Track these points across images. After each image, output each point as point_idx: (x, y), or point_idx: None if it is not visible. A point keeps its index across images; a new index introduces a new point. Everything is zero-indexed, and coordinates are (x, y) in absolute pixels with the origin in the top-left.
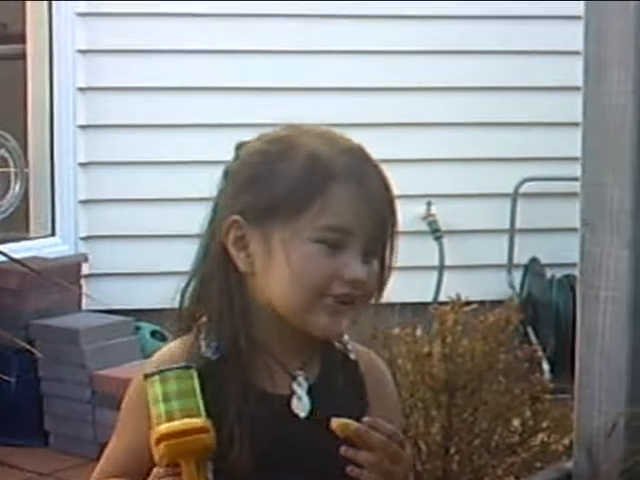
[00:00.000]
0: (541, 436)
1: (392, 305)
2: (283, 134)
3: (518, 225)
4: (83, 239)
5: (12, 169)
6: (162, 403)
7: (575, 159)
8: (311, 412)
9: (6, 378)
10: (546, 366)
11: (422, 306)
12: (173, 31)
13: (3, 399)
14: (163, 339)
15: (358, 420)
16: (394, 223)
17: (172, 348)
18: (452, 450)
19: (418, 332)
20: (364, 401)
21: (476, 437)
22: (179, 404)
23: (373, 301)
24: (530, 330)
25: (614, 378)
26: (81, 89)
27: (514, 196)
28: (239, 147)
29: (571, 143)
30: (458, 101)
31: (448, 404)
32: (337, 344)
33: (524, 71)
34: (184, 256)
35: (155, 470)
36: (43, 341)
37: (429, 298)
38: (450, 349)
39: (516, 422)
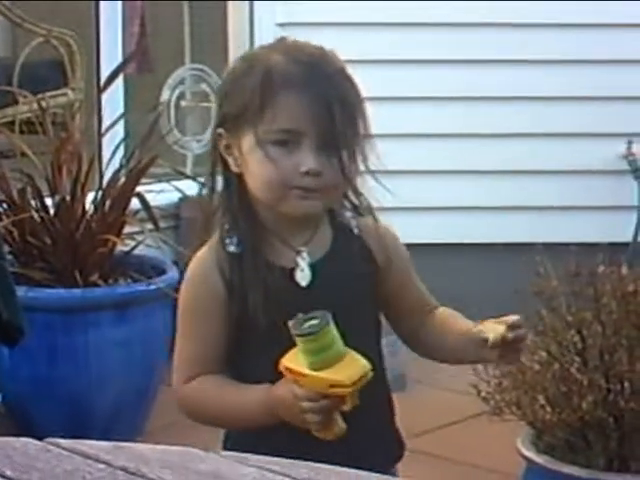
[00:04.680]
0: None
1: (595, 245)
2: (255, 52)
3: None
4: None
5: (213, 104)
6: (315, 355)
7: None
8: (312, 282)
9: None
10: None
11: (622, 246)
12: None
13: None
14: None
15: (364, 282)
16: (353, 121)
17: (203, 254)
18: None
19: (623, 270)
20: (373, 266)
21: None
22: (328, 354)
23: (342, 191)
24: None
25: None
26: (281, 25)
27: None
28: (225, 72)
29: None
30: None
31: None
32: (345, 221)
33: None
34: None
35: (309, 396)
36: None
37: (629, 238)
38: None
39: None
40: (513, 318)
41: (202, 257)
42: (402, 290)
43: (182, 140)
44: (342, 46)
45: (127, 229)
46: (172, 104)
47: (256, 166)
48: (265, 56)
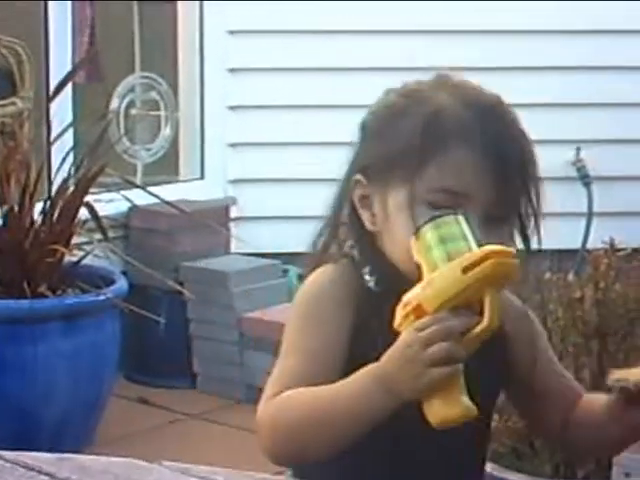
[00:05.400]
0: None
1: (543, 251)
2: (416, 87)
3: None
4: (232, 182)
5: (163, 112)
6: (452, 243)
7: None
8: None
9: (156, 318)
10: None
11: (570, 253)
12: None
13: (152, 340)
14: None
15: (495, 366)
16: (529, 186)
17: (329, 275)
18: None
19: (570, 277)
20: (510, 355)
21: None
22: (460, 244)
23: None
24: None
25: None
26: (231, 32)
27: None
28: (385, 93)
29: None
30: (605, 44)
31: (599, 350)
32: None
33: None
34: (306, 200)
35: (433, 318)
36: (192, 283)
37: (577, 245)
38: (603, 294)
39: None
40: None
41: (330, 274)
42: (545, 378)
43: (131, 149)
44: (295, 54)
45: (76, 239)
46: (121, 112)
47: (403, 231)
48: (430, 94)
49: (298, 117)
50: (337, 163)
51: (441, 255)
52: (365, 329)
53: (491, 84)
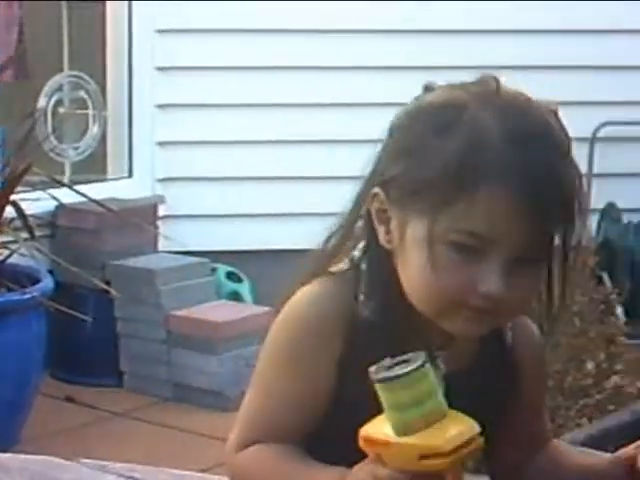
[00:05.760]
0: (615, 379)
1: None
2: (460, 98)
3: (596, 170)
4: (160, 181)
5: (91, 111)
6: (403, 412)
7: None
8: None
9: (83, 317)
10: (620, 311)
11: None
12: None
13: (79, 338)
14: (239, 280)
15: (500, 406)
16: (567, 228)
17: (323, 298)
18: None
19: None
20: (516, 386)
21: (549, 379)
22: (422, 410)
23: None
24: (605, 275)
25: None
26: (160, 31)
27: (592, 140)
28: (424, 89)
29: None
30: (533, 43)
31: None
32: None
33: (603, 14)
34: (260, 199)
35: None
36: (119, 281)
37: None
38: None
39: (590, 364)
40: None
41: (320, 296)
42: (524, 415)
43: (59, 147)
44: (223, 54)
45: (1, 238)
46: (49, 111)
47: (418, 266)
48: (474, 114)
49: (226, 116)
50: (264, 161)
51: (400, 418)
52: (354, 364)
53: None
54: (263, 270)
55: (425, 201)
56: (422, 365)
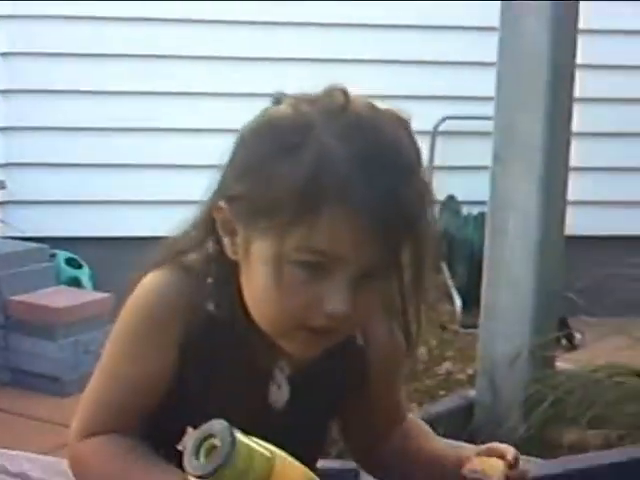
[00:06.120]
0: (446, 365)
1: None
2: (307, 115)
3: (436, 162)
4: (1, 166)
5: None
6: None
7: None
8: (291, 401)
9: None
10: (458, 302)
11: None
12: None
13: None
14: (78, 266)
15: (342, 400)
16: (417, 238)
17: (168, 285)
18: None
19: None
20: (362, 381)
21: None
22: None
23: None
24: (444, 266)
25: (519, 310)
26: (1, 16)
27: (433, 134)
28: (273, 102)
29: (490, 82)
30: (376, 38)
31: None
32: None
33: (443, 11)
34: (100, 186)
35: None
36: None
37: None
38: None
39: (422, 350)
40: (511, 451)
41: (165, 283)
42: (379, 395)
43: None
44: (67, 40)
45: None
46: None
47: (262, 285)
48: (319, 133)
49: (68, 102)
50: (105, 149)
51: None
52: (195, 355)
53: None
54: (103, 257)
55: (270, 221)
56: (231, 448)
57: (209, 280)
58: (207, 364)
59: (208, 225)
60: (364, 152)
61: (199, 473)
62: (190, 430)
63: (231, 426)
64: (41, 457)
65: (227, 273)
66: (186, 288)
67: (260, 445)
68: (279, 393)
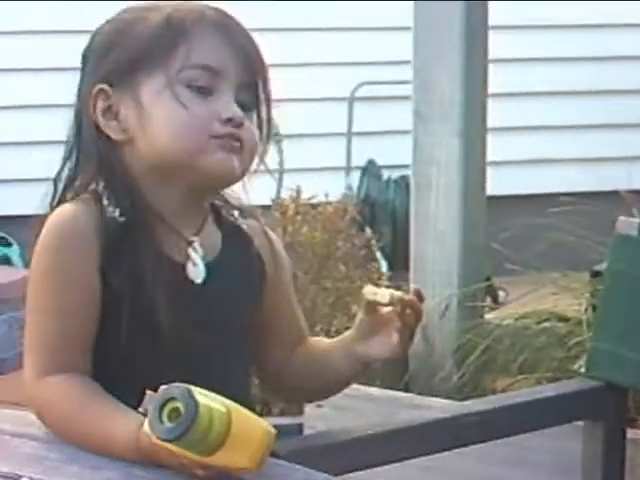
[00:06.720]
0: None
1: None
2: (131, 8)
3: (355, 129)
4: None
5: None
6: (197, 446)
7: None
8: (206, 280)
9: None
10: (384, 262)
11: (264, 208)
12: None
13: None
14: (8, 245)
15: (256, 285)
16: (265, 78)
17: (75, 212)
18: None
19: None
20: (263, 269)
21: (316, 323)
22: (212, 435)
23: (254, 158)
24: (368, 230)
25: (447, 261)
26: None
27: (351, 100)
28: (93, 35)
29: (405, 46)
30: (296, 5)
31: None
32: (231, 220)
33: None
34: (29, 163)
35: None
36: None
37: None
38: (291, 238)
39: (355, 307)
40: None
41: (72, 210)
42: (279, 308)
43: None
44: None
45: None
46: None
47: (165, 112)
48: (155, 8)
49: None
50: (29, 127)
51: (199, 451)
52: (116, 260)
53: None
54: (32, 234)
55: (151, 61)
56: (194, 411)
57: (101, 187)
58: (128, 266)
59: (79, 145)
60: (215, 16)
61: (166, 437)
62: (149, 393)
63: (189, 388)
64: (7, 410)
65: (117, 172)
66: (90, 210)
67: (215, 400)
68: (196, 271)
